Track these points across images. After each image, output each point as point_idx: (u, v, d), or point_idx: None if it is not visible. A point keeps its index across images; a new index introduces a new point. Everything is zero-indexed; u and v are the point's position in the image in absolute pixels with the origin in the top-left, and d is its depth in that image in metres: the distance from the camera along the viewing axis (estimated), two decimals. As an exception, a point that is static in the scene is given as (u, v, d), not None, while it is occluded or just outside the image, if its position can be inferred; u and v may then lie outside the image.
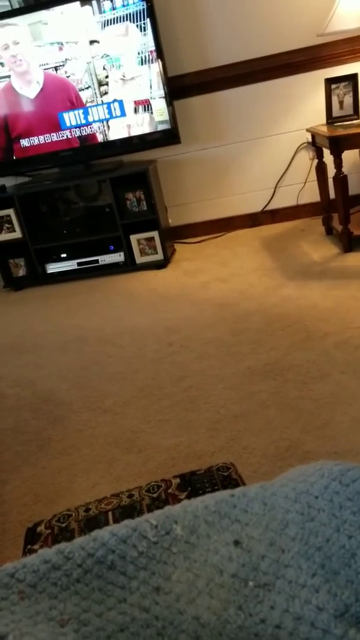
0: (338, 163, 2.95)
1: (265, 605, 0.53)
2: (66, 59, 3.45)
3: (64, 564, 0.59)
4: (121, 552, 0.60)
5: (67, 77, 3.48)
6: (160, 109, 3.46)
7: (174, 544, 0.61)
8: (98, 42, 3.39)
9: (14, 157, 3.70)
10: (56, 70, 3.47)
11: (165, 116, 3.47)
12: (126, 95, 3.47)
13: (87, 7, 3.32)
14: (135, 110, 3.49)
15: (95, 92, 3.49)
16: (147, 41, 3.34)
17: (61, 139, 3.62)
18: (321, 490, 0.62)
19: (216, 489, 1.21)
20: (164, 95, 3.42)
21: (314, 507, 0.61)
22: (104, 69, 3.43)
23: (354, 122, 3.11)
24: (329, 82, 3.22)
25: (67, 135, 3.61)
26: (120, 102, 3.48)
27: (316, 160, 3.40)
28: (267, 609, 0.53)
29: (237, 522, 0.62)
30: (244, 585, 0.56)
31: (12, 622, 0.50)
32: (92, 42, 3.40)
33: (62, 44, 3.42)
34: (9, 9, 3.50)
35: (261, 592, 0.54)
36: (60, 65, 3.46)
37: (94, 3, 3.30)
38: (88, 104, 3.51)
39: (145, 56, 3.38)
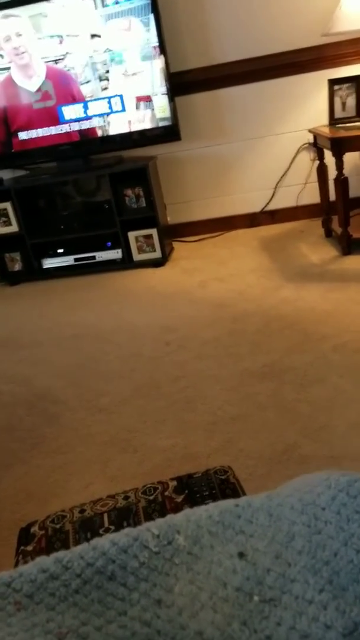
0: (339, 165, 2.93)
1: (271, 622, 0.51)
2: (66, 53, 3.42)
3: (62, 574, 0.57)
4: (122, 562, 0.58)
5: (67, 70, 3.44)
6: (162, 105, 3.43)
7: (176, 555, 0.59)
8: (99, 36, 3.36)
9: (12, 150, 3.67)
10: (56, 63, 3.44)
11: (167, 113, 3.44)
12: (128, 91, 3.44)
13: (88, 1, 3.28)
14: (137, 107, 3.46)
15: (95, 87, 3.46)
16: (150, 37, 3.31)
17: (60, 132, 3.59)
18: (328, 502, 0.60)
19: (214, 493, 1.19)
20: (165, 92, 3.39)
21: (321, 519, 0.59)
22: (104, 63, 3.40)
23: (356, 124, 3.10)
24: (332, 82, 3.20)
25: (66, 129, 3.58)
26: (121, 97, 3.45)
27: (317, 162, 3.38)
28: (273, 626, 0.51)
29: (241, 533, 0.60)
30: (249, 599, 0.54)
31: (8, 635, 0.48)
32: (93, 36, 3.37)
33: (62, 37, 3.39)
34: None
35: (267, 608, 0.53)
36: (60, 59, 3.43)
37: (97, -4, 3.27)
38: (88, 99, 3.48)
39: (148, 52, 3.35)
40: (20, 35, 3.38)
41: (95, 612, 0.54)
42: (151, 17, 3.27)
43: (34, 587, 0.55)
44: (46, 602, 0.54)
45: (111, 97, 3.46)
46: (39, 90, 3.50)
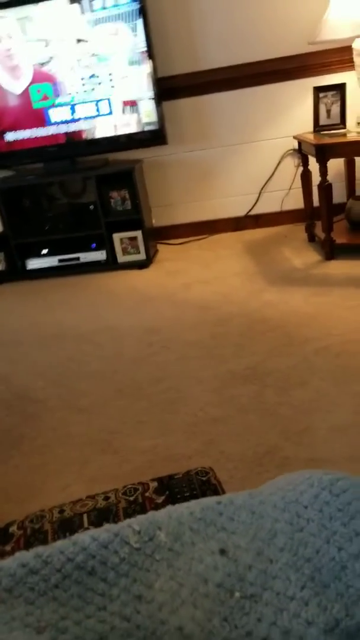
0: (323, 171, 2.95)
1: (252, 618, 0.51)
2: (51, 57, 3.41)
3: (42, 568, 0.56)
4: (102, 557, 0.58)
5: (53, 74, 3.44)
6: (148, 110, 3.44)
7: (157, 551, 0.59)
8: (85, 40, 3.35)
9: (-2, 150, 3.65)
10: (41, 66, 3.43)
11: (153, 118, 3.45)
12: (114, 95, 3.44)
13: (75, 5, 3.28)
14: (123, 111, 3.47)
15: (82, 90, 3.45)
16: (138, 42, 3.32)
17: (47, 134, 3.58)
18: (311, 500, 0.60)
19: (195, 494, 1.19)
20: (152, 96, 3.40)
21: (303, 517, 0.59)
22: (91, 67, 3.40)
23: (341, 131, 3.13)
24: (318, 90, 3.23)
25: (53, 131, 3.57)
26: (108, 100, 3.45)
27: (301, 168, 3.41)
28: (254, 622, 0.51)
29: (223, 530, 0.60)
30: (230, 595, 0.53)
31: (-14, 628, 0.47)
32: (79, 40, 3.36)
33: (47, 41, 3.38)
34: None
35: (247, 604, 0.52)
36: (45, 62, 3.43)
37: (84, 1, 3.26)
38: (75, 102, 3.48)
39: (135, 57, 3.35)
40: (10, 37, 3.37)
41: (74, 607, 0.53)
42: (139, 22, 3.27)
43: (13, 581, 0.55)
44: (25, 596, 0.54)
45: (98, 100, 3.46)
46: (25, 92, 3.49)
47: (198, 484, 1.25)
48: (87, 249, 3.65)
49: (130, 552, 0.59)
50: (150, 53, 3.33)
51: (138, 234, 3.53)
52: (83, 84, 3.44)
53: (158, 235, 3.97)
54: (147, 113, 3.44)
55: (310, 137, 3.12)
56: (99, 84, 3.43)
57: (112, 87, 3.42)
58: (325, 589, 0.52)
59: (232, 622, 0.51)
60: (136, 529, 0.61)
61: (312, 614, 0.50)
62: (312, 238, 3.49)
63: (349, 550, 0.53)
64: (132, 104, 3.45)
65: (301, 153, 3.38)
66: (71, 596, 0.54)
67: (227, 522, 0.61)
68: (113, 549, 0.59)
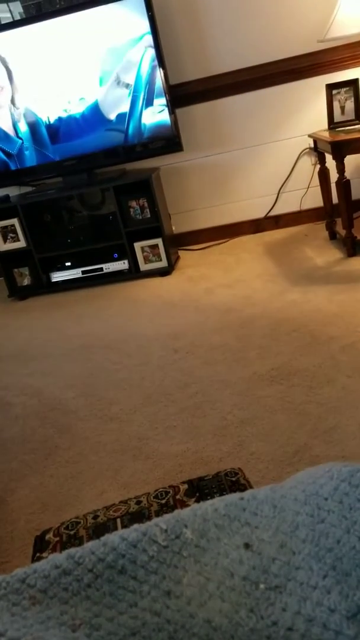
0: (340, 168, 2.95)
1: (277, 608, 0.53)
2: (64, 72, 3.48)
3: (74, 569, 0.59)
4: (131, 556, 0.60)
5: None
6: (163, 118, 3.47)
7: (184, 548, 0.61)
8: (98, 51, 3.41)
9: (19, 167, 3.72)
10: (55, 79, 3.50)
11: (169, 125, 3.48)
12: (129, 105, 3.48)
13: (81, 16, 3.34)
14: (139, 120, 3.51)
15: (97, 103, 3.51)
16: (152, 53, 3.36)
17: (65, 148, 3.64)
18: (331, 492, 0.62)
19: (224, 495, 1.20)
20: (166, 104, 3.44)
21: (324, 509, 0.61)
22: (101, 77, 3.45)
23: (356, 127, 3.12)
24: (330, 87, 3.23)
25: (70, 145, 3.63)
26: (124, 111, 3.50)
27: (318, 166, 3.41)
28: (279, 611, 0.53)
29: (247, 525, 0.62)
30: (255, 587, 0.55)
31: (23, 627, 0.50)
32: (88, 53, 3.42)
33: (61, 56, 3.45)
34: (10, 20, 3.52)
35: (272, 595, 0.54)
36: (59, 76, 3.49)
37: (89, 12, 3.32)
38: (90, 115, 3.53)
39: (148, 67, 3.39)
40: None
41: (107, 605, 0.55)
42: (149, 31, 3.32)
43: (47, 583, 0.58)
44: (60, 596, 0.56)
45: (113, 112, 3.51)
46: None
47: (228, 485, 1.27)
48: (109, 259, 3.70)
49: (159, 550, 0.61)
50: (161, 61, 3.36)
51: (159, 241, 3.57)
52: (97, 96, 3.50)
53: (179, 242, 4.01)
54: (162, 121, 3.48)
55: (326, 135, 3.12)
56: (113, 94, 3.48)
57: (127, 97, 3.47)
58: (346, 577, 0.54)
59: (258, 613, 0.53)
60: (163, 527, 0.63)
61: (335, 602, 0.51)
62: (333, 236, 3.48)
63: (369, 539, 0.55)
64: (147, 113, 3.49)
65: (317, 151, 3.38)
66: (103, 594, 0.57)
67: (251, 516, 0.63)
68: (142, 547, 0.61)
